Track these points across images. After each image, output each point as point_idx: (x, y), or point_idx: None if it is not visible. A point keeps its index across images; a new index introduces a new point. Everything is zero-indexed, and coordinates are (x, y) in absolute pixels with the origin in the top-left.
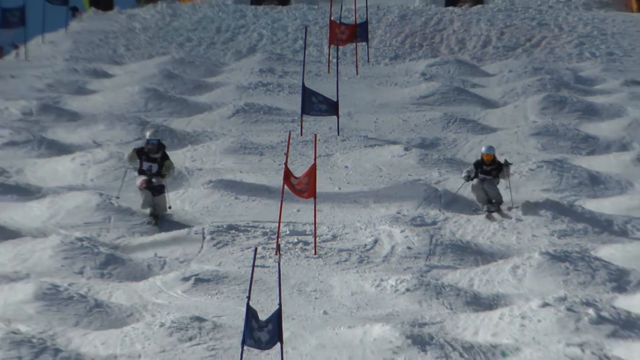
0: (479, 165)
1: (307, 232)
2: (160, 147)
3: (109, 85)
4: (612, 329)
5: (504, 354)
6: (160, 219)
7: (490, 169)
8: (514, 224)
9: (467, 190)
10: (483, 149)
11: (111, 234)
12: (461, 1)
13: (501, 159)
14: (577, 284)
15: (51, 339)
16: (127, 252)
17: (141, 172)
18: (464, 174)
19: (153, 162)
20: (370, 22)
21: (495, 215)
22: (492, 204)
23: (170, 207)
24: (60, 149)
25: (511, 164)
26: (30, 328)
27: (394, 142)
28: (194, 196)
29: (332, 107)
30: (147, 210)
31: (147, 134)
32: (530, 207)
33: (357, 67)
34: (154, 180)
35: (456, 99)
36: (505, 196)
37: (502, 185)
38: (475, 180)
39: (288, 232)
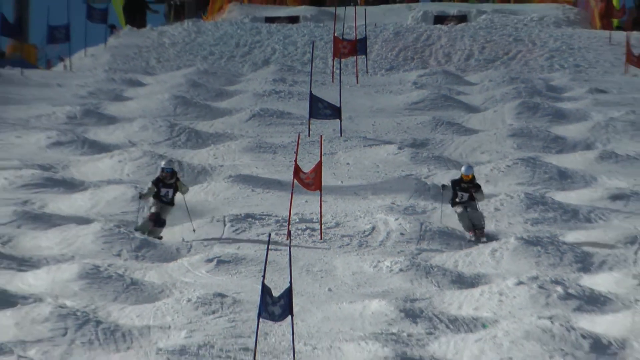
0: (457, 182)
1: (313, 220)
2: (173, 174)
3: (142, 93)
4: (577, 304)
5: (484, 326)
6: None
7: (467, 187)
8: (492, 213)
9: (452, 218)
10: (463, 169)
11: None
12: (447, 20)
13: (483, 158)
14: (547, 265)
15: (93, 312)
16: (163, 237)
17: (157, 197)
18: (442, 193)
19: (169, 187)
20: (369, 38)
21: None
22: (476, 232)
23: (194, 231)
24: (100, 148)
25: (480, 187)
26: (75, 303)
27: (389, 142)
28: (216, 189)
29: (335, 112)
30: (137, 233)
31: (162, 163)
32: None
33: (357, 77)
34: (162, 213)
35: (443, 104)
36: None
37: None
38: (460, 210)
39: (297, 220)
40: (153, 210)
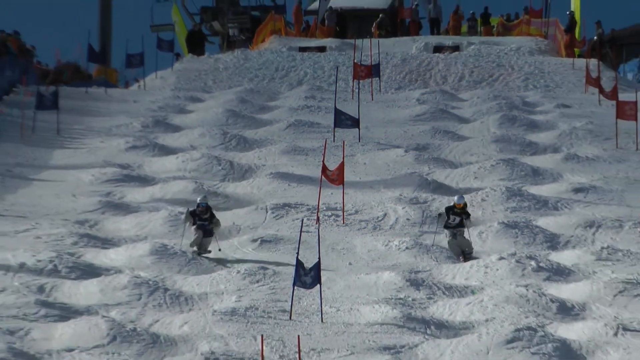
0: (450, 209)
1: (337, 208)
2: (208, 208)
3: (201, 107)
4: (547, 274)
5: (473, 292)
6: (200, 255)
7: (460, 212)
8: (480, 203)
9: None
10: (455, 199)
11: (213, 206)
12: (444, 49)
13: (472, 159)
14: (523, 244)
15: (161, 282)
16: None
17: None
18: (438, 216)
19: (204, 221)
20: (381, 64)
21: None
22: (465, 256)
23: (220, 250)
24: (167, 150)
25: (470, 215)
26: (147, 274)
27: (398, 146)
28: (260, 183)
29: (355, 122)
30: (194, 248)
31: (198, 199)
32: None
33: (372, 94)
34: (206, 227)
35: (440, 117)
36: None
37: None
38: (449, 238)
39: (324, 208)
40: (197, 225)
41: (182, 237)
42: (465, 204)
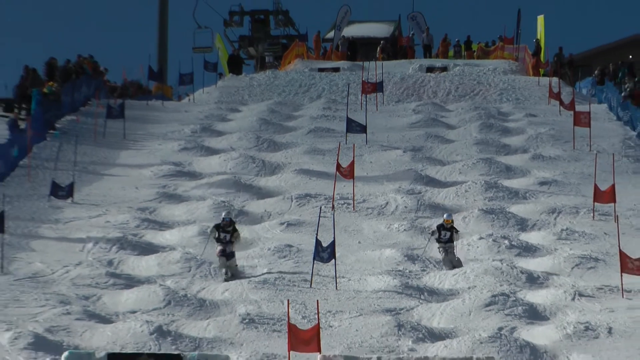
0: (441, 226)
1: (349, 198)
2: (231, 222)
3: (239, 116)
4: (517, 251)
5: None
6: (231, 277)
7: (449, 228)
8: (463, 193)
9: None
10: (445, 216)
11: (241, 198)
12: (435, 70)
13: (457, 158)
14: (498, 226)
15: (207, 257)
16: (249, 207)
17: (218, 240)
18: (431, 234)
19: (227, 233)
20: (384, 81)
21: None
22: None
23: (236, 265)
24: (212, 152)
25: (459, 231)
26: (195, 251)
27: (397, 148)
28: (286, 178)
29: (363, 128)
30: (223, 271)
31: (223, 214)
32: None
33: (377, 106)
34: (226, 248)
35: (431, 124)
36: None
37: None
38: (443, 255)
39: (338, 198)
40: (219, 249)
41: (204, 248)
42: (452, 220)
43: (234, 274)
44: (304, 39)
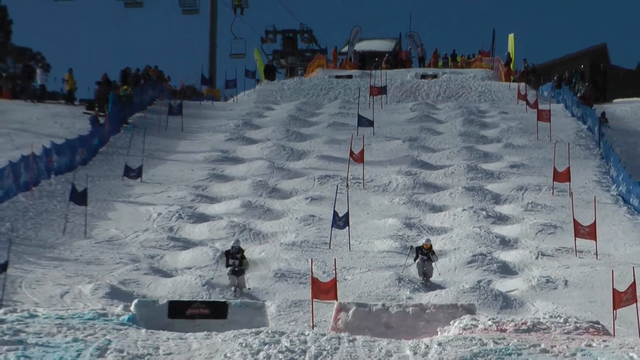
0: (419, 248)
1: (359, 178)
2: (240, 250)
3: (272, 114)
4: (493, 220)
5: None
6: (240, 294)
7: (427, 252)
8: (450, 174)
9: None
10: (424, 240)
11: (274, 178)
12: (427, 77)
13: (445, 147)
14: (477, 200)
15: (248, 224)
16: (281, 185)
17: (227, 265)
18: (410, 254)
19: (236, 259)
20: (387, 86)
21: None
22: (425, 279)
23: (249, 288)
24: (251, 141)
25: (435, 253)
26: (238, 219)
27: (397, 138)
28: (310, 162)
29: (371, 123)
30: (232, 289)
31: (232, 242)
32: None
33: (382, 105)
34: (236, 269)
35: (425, 120)
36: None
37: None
38: (419, 260)
39: (351, 177)
40: (229, 268)
41: (214, 272)
42: (430, 245)
43: (242, 291)
44: (324, 53)
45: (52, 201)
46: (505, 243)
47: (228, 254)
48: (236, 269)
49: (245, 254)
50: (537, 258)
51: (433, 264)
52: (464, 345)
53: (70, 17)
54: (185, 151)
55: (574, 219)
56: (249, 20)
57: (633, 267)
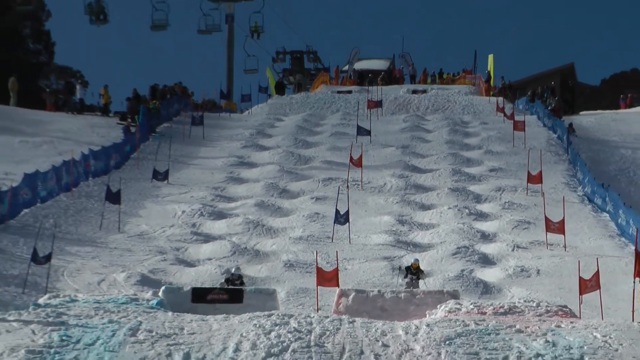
0: (408, 268)
1: (358, 180)
2: (240, 277)
3: (282, 124)
4: (474, 217)
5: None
6: None
7: (415, 271)
8: (437, 177)
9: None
10: (412, 260)
11: (284, 180)
12: (418, 92)
13: (433, 153)
14: (461, 199)
15: (261, 221)
16: (289, 187)
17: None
18: (399, 274)
19: (235, 286)
20: (383, 100)
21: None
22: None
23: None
24: (263, 148)
25: (424, 271)
26: (253, 216)
27: (392, 146)
28: (315, 166)
29: (368, 133)
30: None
31: (232, 270)
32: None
33: (378, 117)
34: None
35: (415, 129)
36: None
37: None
38: (407, 280)
39: (351, 180)
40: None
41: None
42: (418, 264)
43: None
44: (328, 71)
45: (90, 200)
46: (485, 237)
47: (228, 282)
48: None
49: (244, 280)
50: (513, 250)
51: (421, 281)
52: (449, 326)
53: (106, 39)
54: (206, 157)
55: (545, 216)
56: (262, 43)
57: (597, 258)
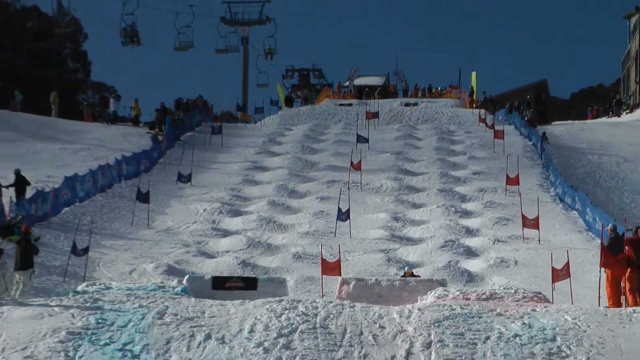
0: (404, 276)
1: (358, 182)
2: None
3: (291, 133)
4: (460, 214)
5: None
6: None
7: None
8: (427, 179)
9: None
10: (406, 268)
11: (292, 182)
12: (410, 105)
13: (423, 158)
14: (448, 199)
15: (272, 218)
16: (297, 188)
17: None
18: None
19: None
20: (379, 111)
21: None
22: None
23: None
24: (275, 154)
25: (418, 276)
26: (265, 214)
27: (387, 152)
28: (320, 170)
29: (366, 140)
30: None
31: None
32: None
33: (375, 126)
34: None
35: (408, 138)
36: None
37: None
38: None
39: (352, 182)
40: None
41: None
42: (412, 272)
43: None
44: (331, 86)
45: (122, 200)
46: (470, 232)
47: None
48: None
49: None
50: (493, 243)
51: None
52: (438, 310)
53: (136, 58)
54: (224, 162)
55: (522, 213)
56: (273, 62)
57: (567, 251)
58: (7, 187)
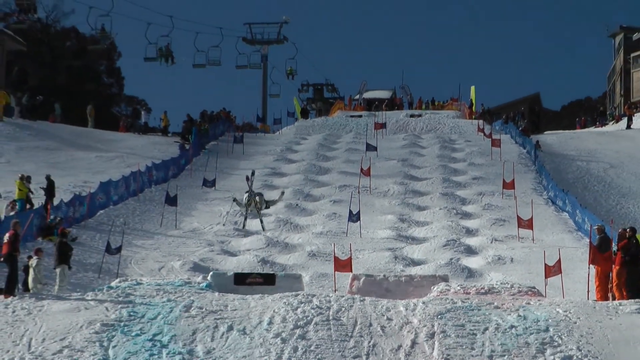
0: None
1: (367, 186)
2: (260, 194)
3: (306, 142)
4: (461, 216)
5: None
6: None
7: None
8: (431, 184)
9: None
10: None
11: (308, 187)
12: (414, 116)
13: (427, 164)
14: (450, 202)
15: (289, 219)
16: (312, 192)
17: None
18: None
19: (251, 191)
20: (387, 122)
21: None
22: None
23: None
24: (291, 161)
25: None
26: (283, 216)
27: (394, 159)
28: (333, 175)
29: (375, 149)
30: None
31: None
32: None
33: (382, 135)
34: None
35: (412, 146)
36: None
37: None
38: None
39: (362, 186)
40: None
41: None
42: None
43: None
44: (342, 99)
45: (152, 203)
46: (470, 232)
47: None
48: None
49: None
50: (491, 242)
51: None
52: (441, 303)
53: (164, 74)
54: (246, 168)
55: (517, 215)
56: (278, 63)
57: (559, 249)
58: (44, 190)
